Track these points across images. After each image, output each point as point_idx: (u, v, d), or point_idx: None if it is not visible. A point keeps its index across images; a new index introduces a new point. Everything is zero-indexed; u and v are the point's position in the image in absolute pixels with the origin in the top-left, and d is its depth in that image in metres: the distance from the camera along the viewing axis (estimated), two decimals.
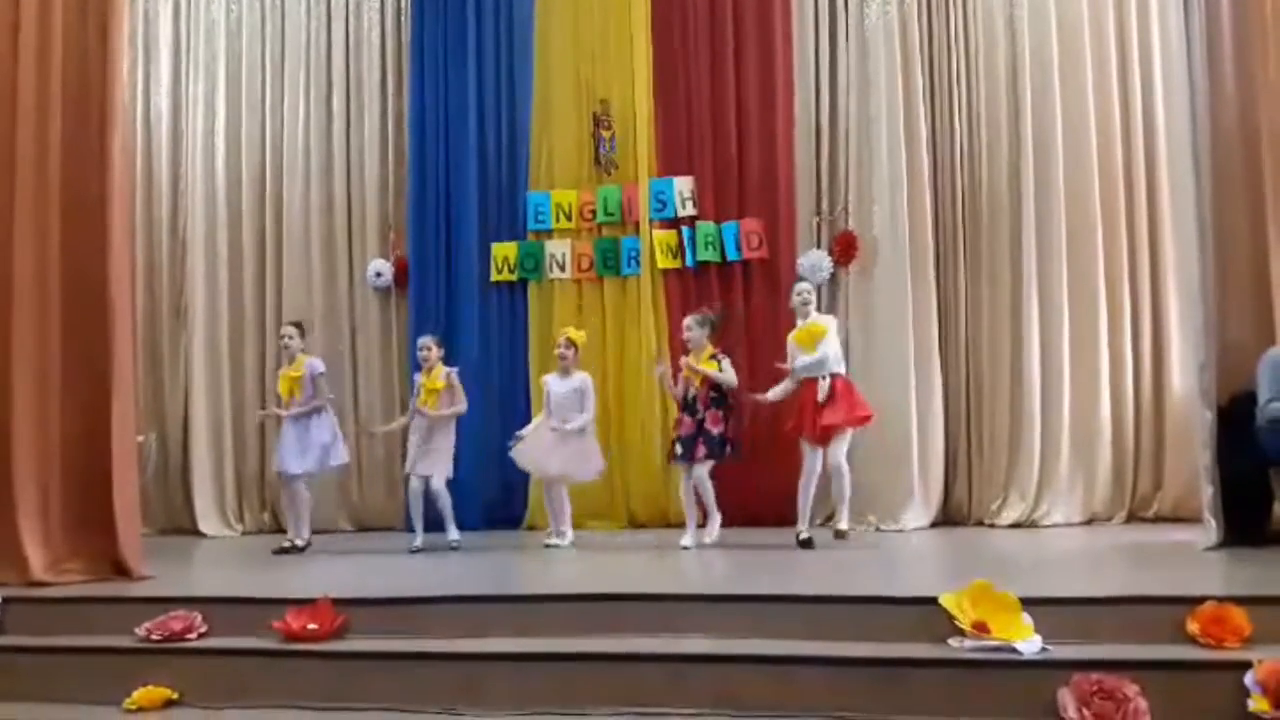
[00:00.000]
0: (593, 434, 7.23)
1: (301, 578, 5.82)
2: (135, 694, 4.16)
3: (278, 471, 7.21)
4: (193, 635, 4.46)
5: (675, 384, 6.90)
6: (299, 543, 7.02)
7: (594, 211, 8.69)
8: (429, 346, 7.19)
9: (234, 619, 4.55)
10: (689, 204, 8.47)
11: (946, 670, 3.76)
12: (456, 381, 7.14)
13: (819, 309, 8.18)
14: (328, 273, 9.01)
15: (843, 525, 6.59)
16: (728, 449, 6.67)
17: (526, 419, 7.88)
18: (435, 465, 7.01)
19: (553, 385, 7.17)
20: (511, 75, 8.90)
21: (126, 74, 6.96)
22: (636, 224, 8.54)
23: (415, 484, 7.05)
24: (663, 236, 8.45)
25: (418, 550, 6.81)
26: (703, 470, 6.63)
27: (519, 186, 8.81)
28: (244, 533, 8.73)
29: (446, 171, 8.85)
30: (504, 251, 8.73)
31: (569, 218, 8.70)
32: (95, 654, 4.46)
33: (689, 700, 3.85)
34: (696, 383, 6.71)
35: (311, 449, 7.07)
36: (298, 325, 7.40)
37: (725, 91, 8.49)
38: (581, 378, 7.17)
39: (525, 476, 7.96)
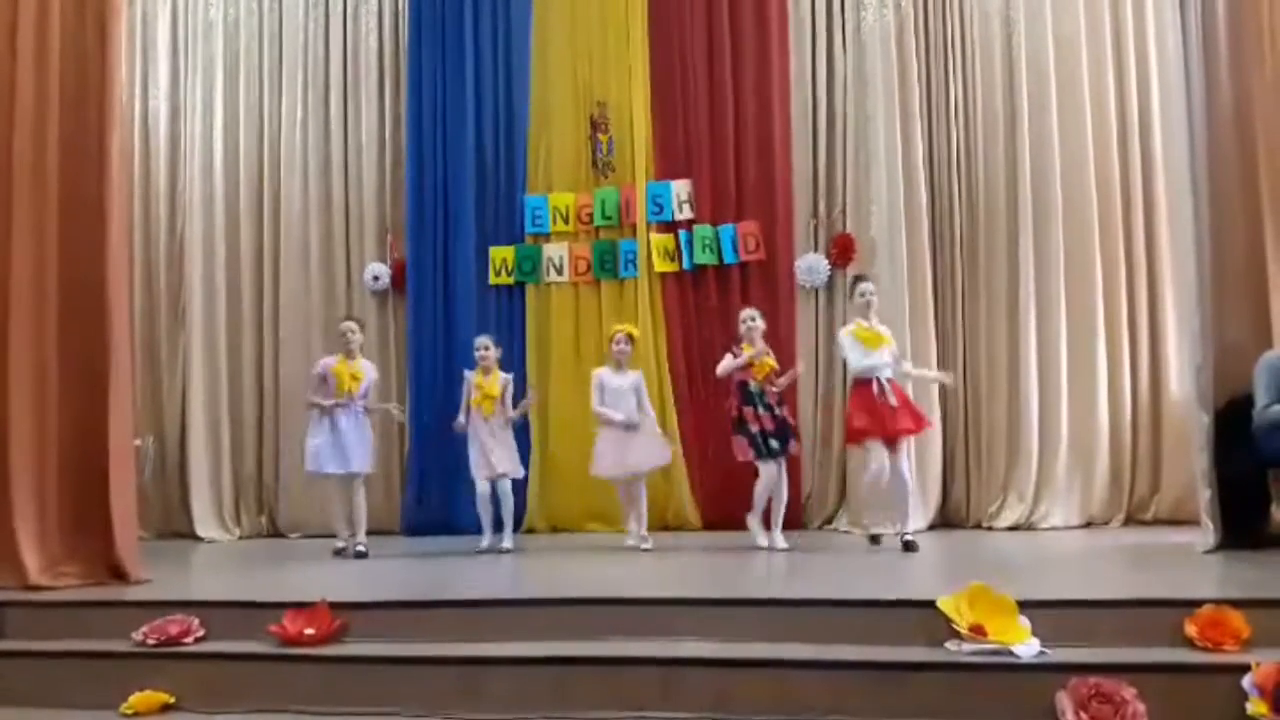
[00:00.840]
0: (654, 420, 7.23)
1: (299, 581, 5.81)
2: (132, 698, 4.15)
3: (336, 472, 6.87)
4: (190, 639, 4.44)
5: (734, 360, 6.77)
6: (360, 547, 6.84)
7: (591, 214, 8.69)
8: (487, 346, 7.10)
9: (231, 623, 4.54)
10: (686, 207, 8.48)
11: (944, 674, 3.76)
12: (511, 388, 7.12)
13: (816, 313, 8.25)
14: (325, 275, 9.00)
15: (910, 534, 6.39)
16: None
17: (524, 420, 7.85)
18: (512, 463, 7.03)
19: (607, 380, 7.06)
20: (509, 78, 8.90)
21: (125, 76, 6.94)
22: (634, 227, 8.55)
23: (485, 487, 6.94)
24: (660, 239, 8.45)
25: (484, 551, 6.82)
26: (783, 468, 6.68)
27: (517, 189, 8.81)
28: (241, 536, 8.72)
29: (444, 174, 8.85)
30: (501, 254, 8.73)
31: (566, 220, 8.70)
32: (92, 658, 4.44)
33: (686, 704, 3.85)
34: (759, 377, 6.66)
35: (367, 447, 7.00)
36: (360, 321, 7.30)
37: (723, 94, 8.50)
38: (637, 374, 7.16)
39: (524, 478, 7.94)
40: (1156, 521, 7.51)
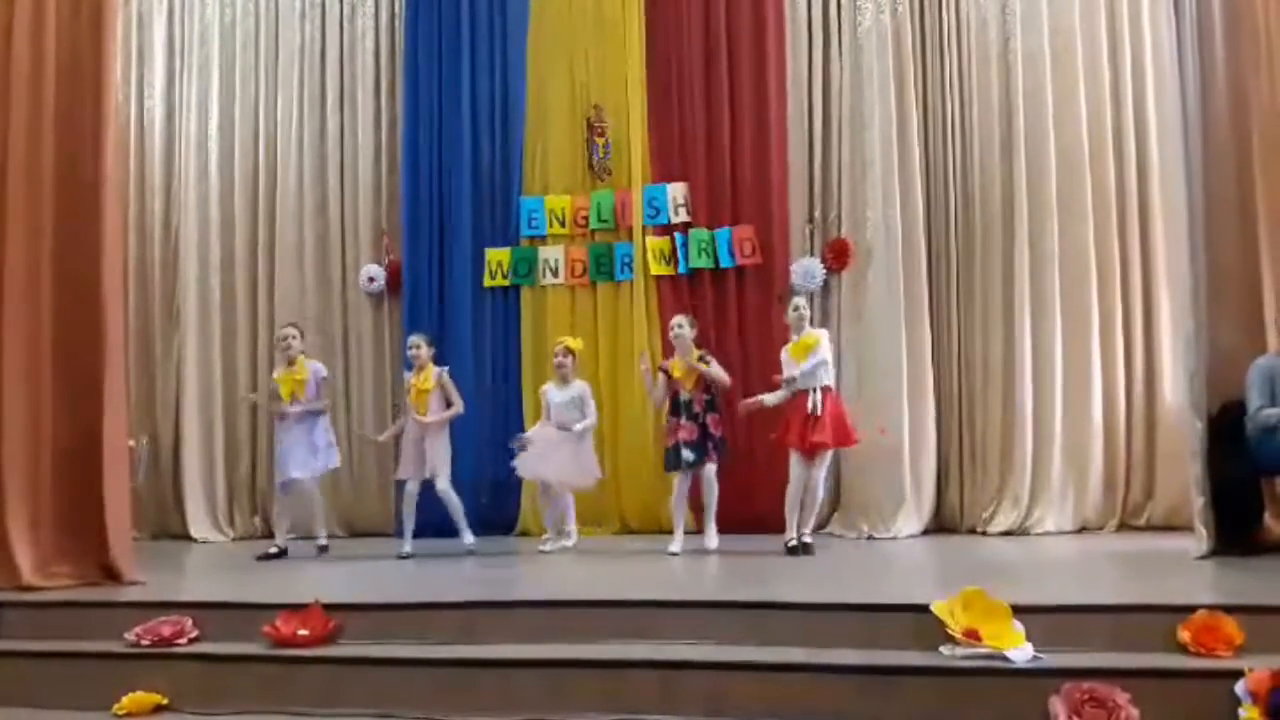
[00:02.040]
0: (590, 442, 7.23)
1: (292, 582, 5.80)
2: (125, 699, 4.15)
3: (281, 479, 7.09)
4: (183, 640, 4.44)
5: (655, 384, 6.92)
6: (281, 548, 6.98)
7: (587, 217, 8.68)
8: (418, 345, 7.13)
9: (224, 624, 4.55)
10: (682, 210, 8.48)
11: (938, 678, 3.76)
12: (448, 381, 7.08)
13: (813, 318, 8.23)
14: (321, 277, 8.99)
15: (808, 537, 6.58)
16: (726, 451, 6.83)
17: (519, 424, 7.87)
18: (438, 467, 6.95)
19: (552, 395, 7.16)
20: (505, 80, 8.90)
21: (120, 77, 6.94)
22: (630, 230, 8.54)
23: (411, 488, 6.97)
24: (656, 243, 8.45)
25: (407, 556, 6.78)
26: (712, 472, 6.72)
27: (513, 192, 8.81)
28: (235, 538, 8.70)
29: (440, 176, 8.85)
30: (497, 257, 8.73)
31: (563, 223, 8.70)
32: (85, 659, 4.45)
33: (680, 707, 3.85)
34: (688, 386, 6.73)
35: (316, 452, 7.06)
36: (298, 326, 7.39)
37: (719, 98, 8.50)
38: (581, 386, 7.19)
39: (518, 481, 7.94)
40: (1150, 527, 7.51)
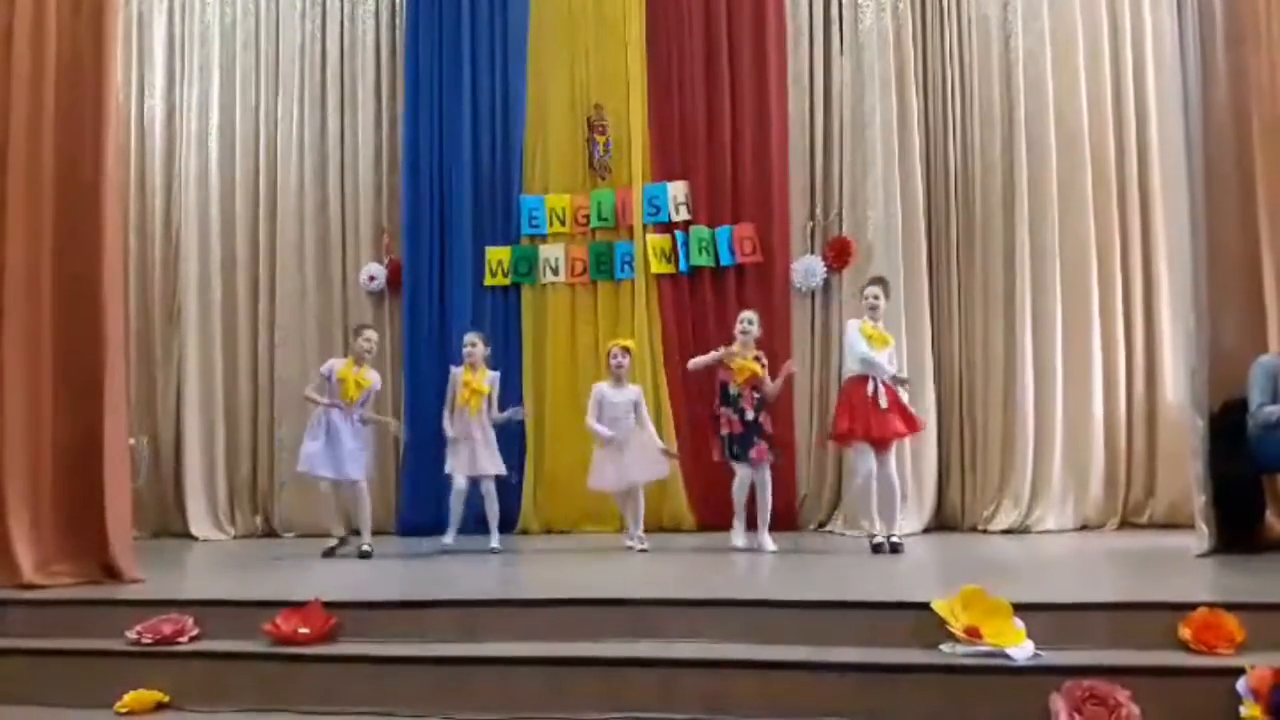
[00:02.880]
0: (653, 430, 7.19)
1: (293, 581, 5.81)
2: (126, 697, 4.14)
3: (334, 477, 6.84)
4: (184, 638, 4.43)
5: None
6: (365, 546, 6.82)
7: (588, 216, 8.69)
8: (474, 342, 7.05)
9: (225, 622, 4.54)
10: (683, 209, 8.49)
11: (938, 676, 3.76)
12: (498, 388, 7.08)
13: (812, 316, 8.25)
14: (321, 276, 9.00)
15: (897, 537, 6.37)
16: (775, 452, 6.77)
17: (519, 422, 7.85)
18: (498, 463, 6.95)
19: (606, 394, 7.04)
20: (506, 79, 8.91)
21: (121, 76, 6.93)
22: (630, 228, 8.56)
23: (462, 483, 6.88)
24: (656, 241, 8.46)
25: (449, 550, 6.77)
26: (766, 472, 6.63)
27: (513, 190, 8.82)
28: (236, 536, 8.71)
29: (441, 175, 8.86)
30: (498, 255, 8.74)
31: (563, 222, 8.71)
32: (86, 657, 4.44)
33: (680, 706, 3.84)
34: (740, 381, 6.65)
35: (364, 455, 6.97)
36: (376, 331, 7.30)
37: (719, 96, 8.51)
38: (636, 388, 7.16)
39: (520, 480, 7.94)
40: (1151, 525, 7.52)
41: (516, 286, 8.75)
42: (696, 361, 6.87)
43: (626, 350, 7.13)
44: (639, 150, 8.60)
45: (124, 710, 4.12)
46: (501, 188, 8.86)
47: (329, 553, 6.87)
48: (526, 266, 8.70)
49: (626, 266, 8.52)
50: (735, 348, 6.71)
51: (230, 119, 9.14)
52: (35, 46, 5.60)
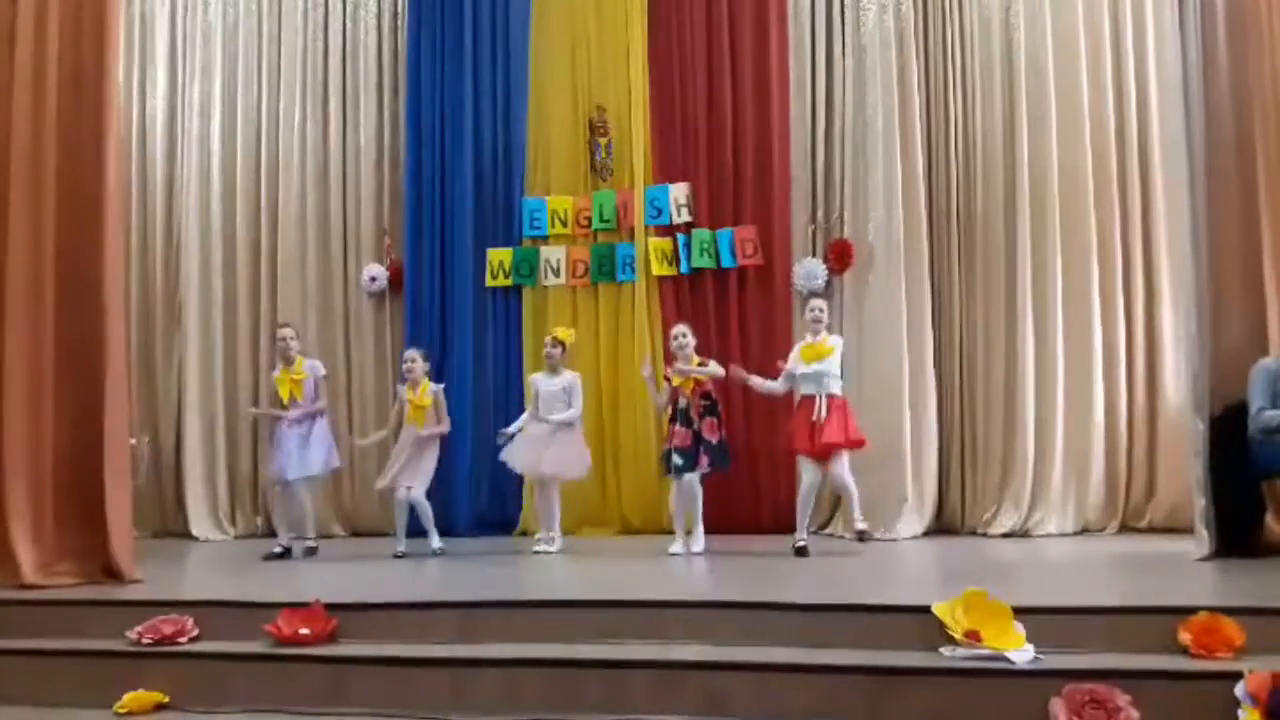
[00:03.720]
0: (580, 431, 7.23)
1: (294, 582, 5.81)
2: (126, 698, 4.15)
3: (275, 479, 7.08)
4: (184, 639, 4.45)
5: (659, 390, 6.94)
6: (285, 547, 6.97)
7: (589, 218, 8.69)
8: (414, 359, 7.12)
9: (226, 622, 4.55)
10: (684, 210, 8.49)
11: (938, 679, 3.76)
12: (442, 399, 7.10)
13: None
14: (322, 277, 8.99)
15: (862, 525, 6.55)
16: (726, 458, 6.78)
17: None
18: (418, 478, 6.99)
19: (540, 384, 7.18)
20: (508, 81, 8.91)
21: (122, 77, 6.94)
22: (632, 230, 8.56)
23: (401, 494, 6.98)
24: (658, 243, 8.46)
25: (402, 555, 6.80)
26: (694, 479, 6.69)
27: (514, 192, 8.82)
28: (236, 536, 8.70)
29: (442, 176, 8.86)
30: (499, 257, 8.74)
31: (564, 224, 8.71)
32: (86, 657, 4.44)
33: (679, 707, 3.85)
34: (688, 392, 6.73)
35: (313, 453, 7.03)
36: (293, 326, 7.40)
37: (721, 98, 8.51)
38: (570, 376, 7.20)
39: (518, 481, 7.95)
40: (1151, 529, 7.51)
41: (518, 288, 8.75)
42: (653, 396, 7.08)
43: (559, 341, 7.23)
44: (640, 152, 8.60)
45: (124, 710, 4.13)
46: (503, 189, 8.86)
47: (268, 557, 6.90)
48: (528, 268, 8.70)
49: (628, 268, 8.52)
50: (676, 368, 6.79)
51: (232, 120, 9.13)
52: (37, 48, 5.62)
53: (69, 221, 5.62)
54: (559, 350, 7.20)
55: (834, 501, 8.06)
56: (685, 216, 8.48)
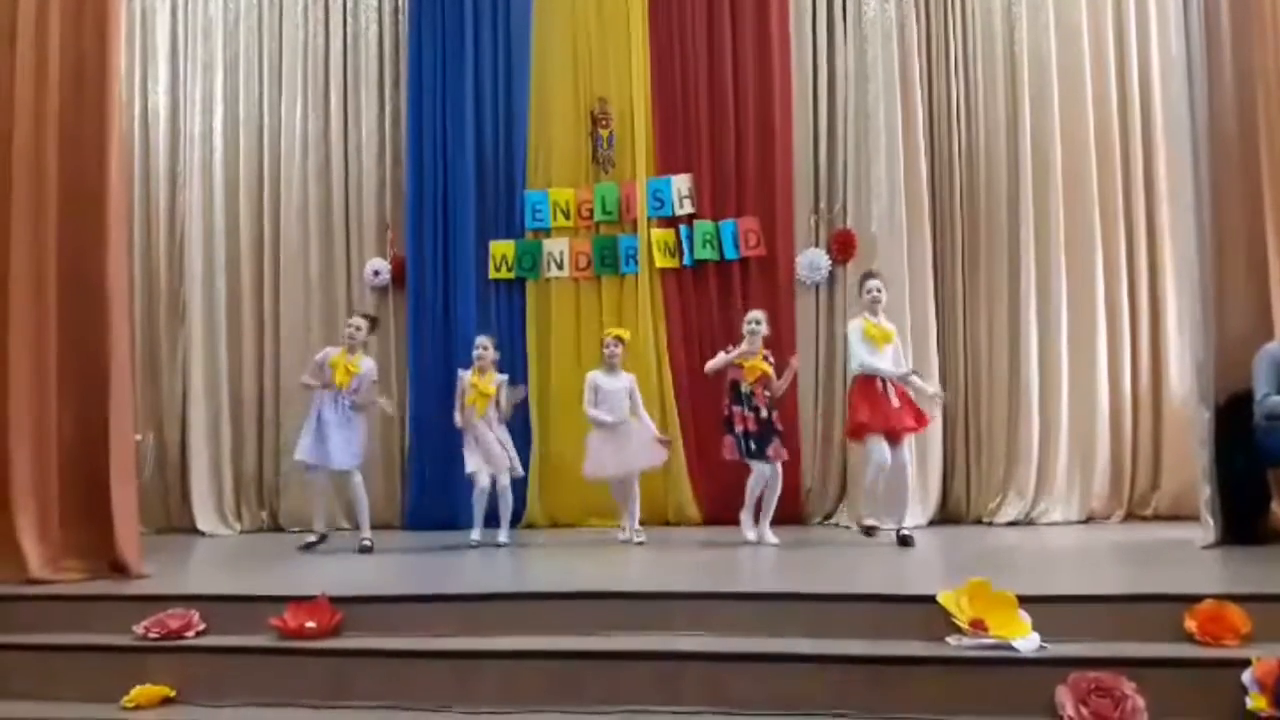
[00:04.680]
0: (649, 421, 7.24)
1: (299, 575, 5.82)
2: (133, 692, 4.16)
3: (321, 465, 6.92)
4: (190, 633, 4.45)
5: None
6: (365, 541, 6.91)
7: (592, 210, 8.68)
8: (486, 346, 7.11)
9: (232, 616, 4.55)
10: (687, 202, 8.47)
11: (944, 668, 3.76)
12: (505, 389, 7.12)
13: (816, 309, 8.24)
14: (325, 271, 8.99)
15: (907, 529, 6.47)
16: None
17: (525, 416, 7.87)
18: (500, 466, 7.01)
19: (603, 383, 7.11)
20: (509, 73, 8.89)
21: (124, 71, 6.93)
22: (634, 222, 8.54)
23: (486, 482, 6.95)
24: (661, 235, 8.45)
25: (477, 545, 6.83)
26: (779, 471, 6.69)
27: (517, 185, 8.80)
28: (242, 531, 8.71)
29: (444, 170, 8.84)
30: (502, 250, 8.73)
31: (567, 216, 8.69)
32: (93, 652, 4.46)
33: (684, 699, 3.85)
34: (750, 380, 6.69)
35: (354, 444, 7.01)
36: (369, 319, 7.35)
37: (723, 89, 8.49)
38: (629, 376, 7.20)
39: (525, 475, 7.94)
40: (1156, 517, 7.51)
41: (520, 281, 8.74)
42: (713, 364, 6.90)
43: (619, 339, 7.21)
44: (643, 144, 8.58)
45: (131, 705, 4.14)
46: (505, 182, 8.84)
47: (305, 547, 6.90)
48: (530, 261, 8.69)
49: (630, 260, 8.51)
50: (745, 347, 6.73)
51: (234, 114, 9.12)
52: (39, 45, 5.61)
53: (72, 218, 5.62)
54: (620, 349, 7.16)
55: (839, 493, 8.07)
56: (688, 208, 8.47)
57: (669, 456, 7.47)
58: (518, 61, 8.87)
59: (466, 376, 7.10)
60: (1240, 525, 5.60)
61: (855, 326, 6.62)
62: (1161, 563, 5.41)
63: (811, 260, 8.20)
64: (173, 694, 4.20)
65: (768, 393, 6.69)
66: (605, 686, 3.93)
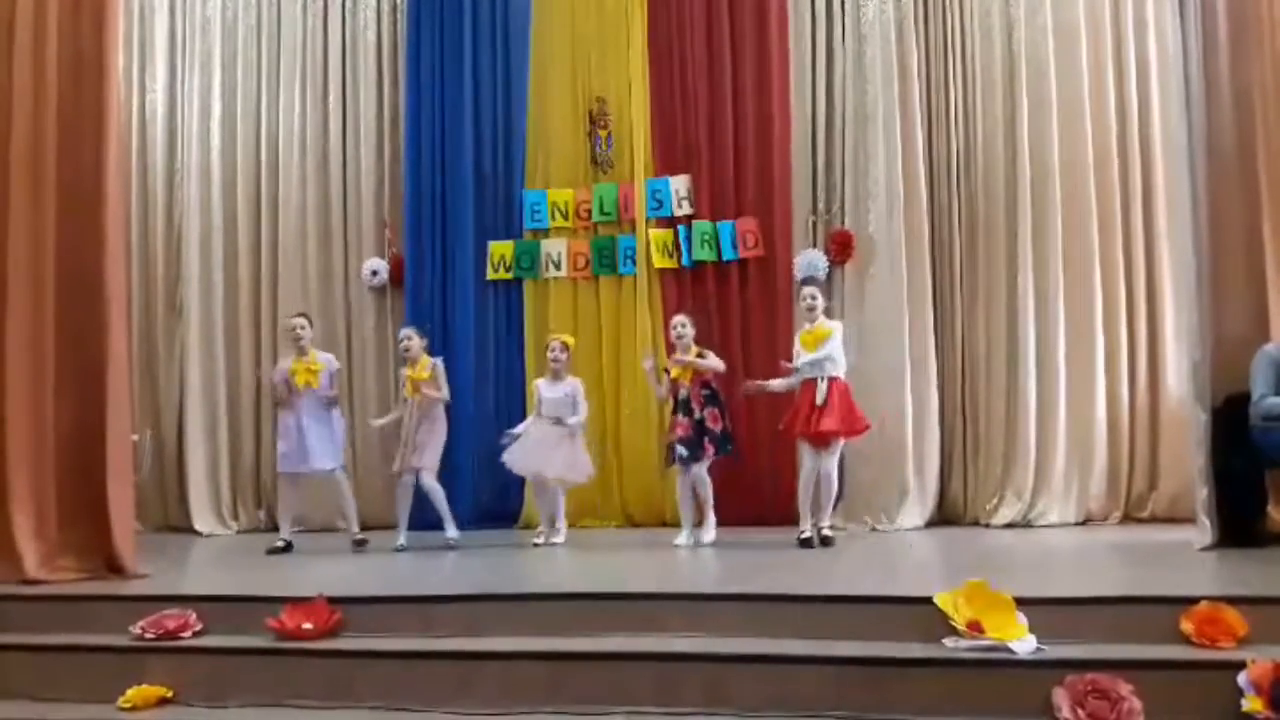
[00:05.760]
0: (582, 438, 7.24)
1: (297, 576, 5.82)
2: (129, 692, 4.15)
3: (298, 469, 7.00)
4: (187, 633, 4.45)
5: (660, 382, 6.93)
6: (358, 535, 6.97)
7: (590, 210, 8.67)
8: (410, 337, 7.12)
9: (229, 617, 4.55)
10: (685, 203, 8.47)
11: (941, 670, 3.77)
12: (441, 371, 7.08)
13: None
14: (323, 271, 8.98)
15: (827, 530, 6.57)
16: (730, 444, 6.78)
17: (522, 416, 7.86)
18: (425, 458, 6.94)
19: (544, 390, 7.19)
20: (508, 73, 8.89)
21: (122, 69, 6.92)
22: (633, 223, 8.54)
23: (407, 479, 6.97)
24: (659, 235, 8.45)
25: (402, 549, 6.80)
26: (702, 469, 6.69)
27: (515, 185, 8.80)
28: (239, 531, 8.71)
29: (442, 169, 8.84)
30: (500, 250, 8.73)
31: (565, 216, 8.69)
32: (89, 652, 4.46)
33: (681, 700, 3.85)
34: (687, 382, 6.74)
35: (336, 442, 7.05)
36: (307, 315, 7.35)
37: (722, 90, 8.48)
38: (573, 382, 7.22)
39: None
40: (1153, 519, 7.51)
41: (519, 281, 8.74)
42: (654, 388, 7.04)
43: (565, 345, 7.26)
44: (641, 144, 8.58)
45: (127, 705, 4.13)
46: (503, 182, 8.84)
47: (273, 551, 6.87)
48: (529, 261, 8.69)
49: (629, 261, 8.51)
50: (675, 358, 6.83)
51: (232, 113, 9.12)
52: (37, 42, 5.61)
53: (70, 214, 5.62)
54: (566, 356, 7.22)
55: (838, 493, 8.05)
56: (686, 209, 8.47)
57: (587, 480, 7.41)
58: (516, 61, 8.87)
59: (402, 372, 7.09)
60: (1237, 527, 5.59)
61: (796, 340, 6.77)
62: (1158, 565, 5.41)
63: (810, 261, 8.19)
64: (170, 695, 4.20)
65: (705, 390, 6.73)
66: (604, 687, 3.93)
